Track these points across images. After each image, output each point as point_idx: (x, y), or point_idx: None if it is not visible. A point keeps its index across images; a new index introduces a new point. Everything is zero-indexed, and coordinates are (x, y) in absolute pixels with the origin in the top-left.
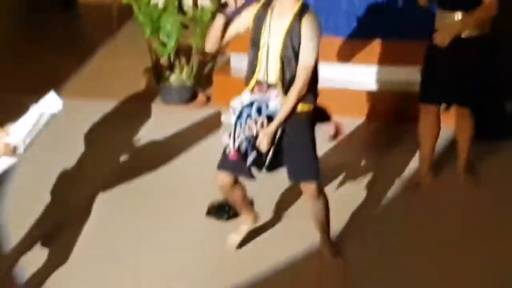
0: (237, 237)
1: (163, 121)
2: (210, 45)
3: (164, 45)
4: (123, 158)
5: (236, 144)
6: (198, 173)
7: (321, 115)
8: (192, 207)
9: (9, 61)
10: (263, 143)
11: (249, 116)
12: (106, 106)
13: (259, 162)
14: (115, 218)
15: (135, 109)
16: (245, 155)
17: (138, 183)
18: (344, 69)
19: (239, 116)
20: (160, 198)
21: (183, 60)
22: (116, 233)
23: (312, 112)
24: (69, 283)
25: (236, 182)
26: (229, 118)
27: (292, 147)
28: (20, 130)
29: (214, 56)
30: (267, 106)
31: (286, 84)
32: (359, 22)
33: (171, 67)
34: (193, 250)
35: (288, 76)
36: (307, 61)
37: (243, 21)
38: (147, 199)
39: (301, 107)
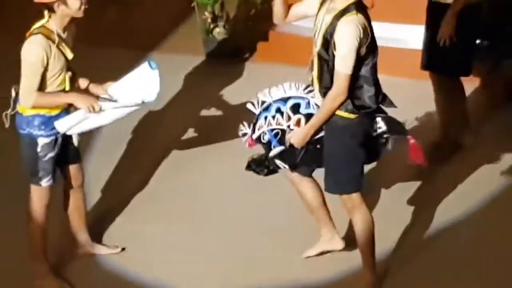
0: (311, 252)
1: (207, 75)
2: (277, 21)
3: None
4: (168, 112)
5: (256, 134)
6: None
7: (394, 127)
8: (234, 162)
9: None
10: (292, 140)
11: (279, 111)
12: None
13: (288, 157)
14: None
15: (179, 63)
16: (268, 147)
17: (176, 139)
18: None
19: (266, 109)
20: (201, 154)
21: (228, 13)
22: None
23: (354, 122)
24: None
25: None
26: (253, 107)
27: (326, 155)
28: (113, 93)
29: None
30: (308, 104)
31: (324, 85)
32: None
33: (215, 21)
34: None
35: (325, 76)
36: (340, 68)
37: (313, 4)
38: (186, 156)
39: (338, 113)
